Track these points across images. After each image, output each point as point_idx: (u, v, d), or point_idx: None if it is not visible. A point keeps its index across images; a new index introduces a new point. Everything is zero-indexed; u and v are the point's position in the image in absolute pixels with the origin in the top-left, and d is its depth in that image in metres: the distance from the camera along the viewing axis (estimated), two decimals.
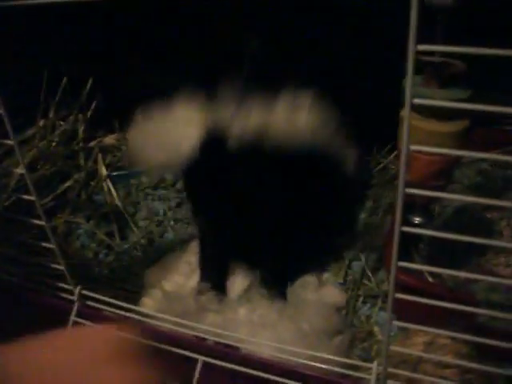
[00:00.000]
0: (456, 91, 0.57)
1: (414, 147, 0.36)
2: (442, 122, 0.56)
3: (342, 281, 0.81)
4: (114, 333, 0.35)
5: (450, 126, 0.56)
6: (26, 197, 0.62)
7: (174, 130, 0.68)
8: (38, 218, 0.65)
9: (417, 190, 0.38)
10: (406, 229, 0.40)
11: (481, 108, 0.34)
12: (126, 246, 0.93)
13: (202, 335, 0.64)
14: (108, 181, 1.07)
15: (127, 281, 0.84)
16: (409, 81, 0.34)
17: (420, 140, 0.37)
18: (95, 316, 0.67)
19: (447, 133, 0.56)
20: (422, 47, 0.33)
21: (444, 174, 0.61)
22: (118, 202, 1.02)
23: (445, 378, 0.54)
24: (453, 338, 0.59)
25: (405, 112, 0.36)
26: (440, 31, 0.55)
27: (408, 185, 0.38)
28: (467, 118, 0.58)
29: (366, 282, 0.80)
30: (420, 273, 0.75)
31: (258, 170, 0.70)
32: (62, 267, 0.67)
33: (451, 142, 0.57)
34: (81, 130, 1.14)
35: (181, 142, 0.67)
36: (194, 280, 0.82)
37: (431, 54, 0.55)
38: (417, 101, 0.34)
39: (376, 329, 0.71)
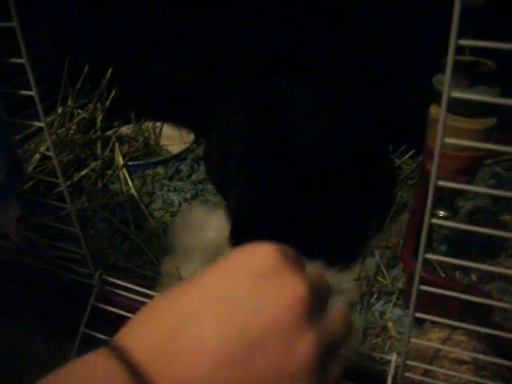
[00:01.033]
0: (485, 90, 0.58)
1: (448, 140, 0.37)
2: (470, 120, 0.57)
3: (356, 277, 0.81)
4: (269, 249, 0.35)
5: (477, 123, 0.57)
6: (52, 179, 0.63)
7: None
8: (61, 201, 0.66)
9: (448, 183, 0.39)
10: (435, 220, 0.41)
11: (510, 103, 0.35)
12: (140, 235, 0.94)
13: None
14: (124, 170, 1.07)
15: (141, 269, 0.85)
16: (448, 74, 0.35)
17: (447, 137, 0.38)
18: (114, 301, 0.68)
19: (474, 130, 0.57)
20: (463, 42, 0.34)
21: (469, 170, 0.62)
22: (133, 192, 1.03)
23: (460, 374, 0.55)
24: (468, 335, 0.60)
25: (437, 109, 0.36)
26: (471, 28, 0.56)
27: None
28: (494, 116, 0.58)
29: (379, 278, 0.81)
30: (434, 269, 0.76)
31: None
32: (83, 251, 0.68)
33: (478, 140, 0.58)
34: (99, 119, 1.15)
35: None
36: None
37: (461, 52, 0.56)
38: (455, 94, 0.35)
39: (390, 325, 0.72)
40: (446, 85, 0.35)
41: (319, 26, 1.03)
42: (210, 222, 0.89)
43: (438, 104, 0.62)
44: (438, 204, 0.72)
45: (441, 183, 0.39)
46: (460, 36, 0.35)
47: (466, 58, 0.55)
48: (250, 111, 0.84)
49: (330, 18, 1.02)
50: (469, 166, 0.60)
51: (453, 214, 0.72)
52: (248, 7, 1.03)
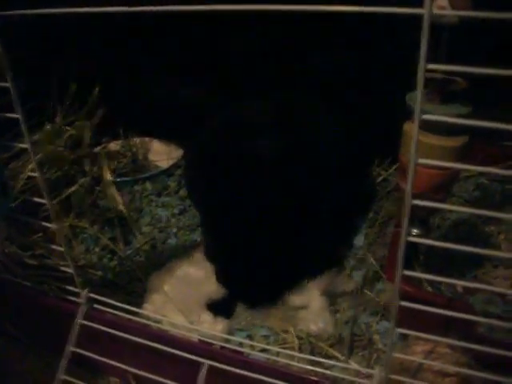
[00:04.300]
0: (457, 107, 0.59)
1: (421, 161, 0.38)
2: (443, 137, 0.58)
3: (342, 290, 0.82)
4: None
5: (450, 141, 0.59)
6: (37, 199, 0.63)
7: None
8: (46, 220, 0.67)
9: (423, 202, 0.40)
10: (412, 239, 0.41)
11: (483, 125, 0.36)
12: (129, 252, 0.94)
13: (207, 339, 0.66)
14: (112, 186, 1.08)
15: (130, 285, 0.86)
16: (418, 97, 0.36)
17: (421, 154, 0.39)
18: (101, 319, 0.69)
19: (448, 147, 0.58)
20: (431, 66, 0.35)
21: (443, 187, 0.63)
22: (122, 208, 1.04)
23: None
24: (452, 348, 0.61)
25: (413, 127, 0.38)
26: (444, 48, 0.57)
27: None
28: (467, 134, 0.60)
29: (366, 291, 0.82)
30: (419, 283, 0.77)
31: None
32: (70, 270, 0.68)
33: (452, 157, 0.59)
34: (87, 135, 1.15)
35: None
36: (195, 286, 0.84)
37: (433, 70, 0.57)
38: (426, 117, 0.36)
39: (376, 337, 0.73)
40: (417, 108, 0.36)
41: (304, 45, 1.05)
42: None
43: (412, 120, 0.63)
44: (411, 222, 0.73)
45: (415, 202, 0.40)
46: (434, 54, 0.36)
47: (439, 75, 0.56)
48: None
49: (316, 38, 1.03)
50: (442, 183, 0.61)
51: (426, 232, 0.74)
52: (238, 24, 1.05)
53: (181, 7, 0.42)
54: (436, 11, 0.33)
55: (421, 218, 0.74)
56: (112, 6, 0.46)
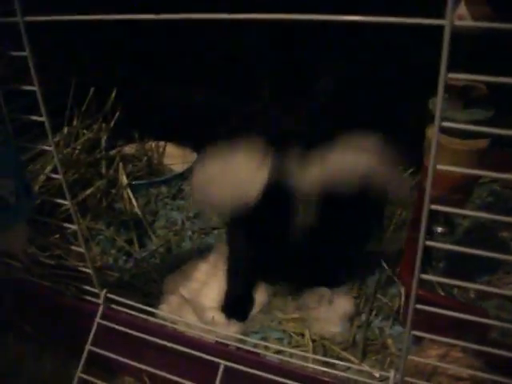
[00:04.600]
0: (478, 113, 0.60)
1: (440, 167, 0.39)
2: (464, 141, 0.59)
3: (355, 294, 0.83)
4: None
5: (471, 144, 0.59)
6: (60, 201, 0.65)
7: (239, 174, 0.70)
8: (64, 222, 0.68)
9: (441, 207, 0.41)
10: (430, 243, 0.42)
11: (502, 132, 0.37)
12: (144, 254, 0.95)
13: (223, 341, 0.67)
14: (128, 189, 1.09)
15: (146, 287, 0.87)
16: (439, 106, 0.37)
17: (442, 157, 0.40)
18: (119, 319, 0.70)
19: (468, 151, 0.59)
20: (452, 75, 0.36)
21: (464, 188, 0.64)
22: (137, 211, 1.05)
23: None
24: (465, 352, 0.61)
25: (432, 133, 0.38)
26: (463, 56, 0.58)
27: (432, 200, 0.41)
28: (487, 138, 0.61)
29: (379, 295, 0.82)
30: (432, 288, 0.77)
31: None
32: (89, 270, 0.69)
33: (472, 160, 0.60)
34: (103, 138, 1.17)
35: (247, 185, 0.68)
36: (210, 288, 0.85)
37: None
38: (445, 124, 0.37)
39: (390, 342, 0.73)
40: (437, 115, 0.37)
41: (318, 48, 1.06)
42: None
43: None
44: (435, 220, 0.74)
45: (433, 207, 0.40)
46: (454, 62, 0.37)
47: (461, 82, 0.57)
48: None
49: (333, 40, 1.04)
50: (463, 185, 0.62)
51: (450, 230, 0.74)
52: (250, 30, 1.06)
53: (197, 15, 0.43)
54: (457, 22, 0.34)
55: (444, 217, 0.75)
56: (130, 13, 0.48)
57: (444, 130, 0.38)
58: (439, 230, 0.74)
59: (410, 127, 0.76)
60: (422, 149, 0.70)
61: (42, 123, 0.58)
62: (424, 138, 0.69)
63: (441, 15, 0.35)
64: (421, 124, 0.67)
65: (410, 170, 1.09)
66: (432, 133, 0.64)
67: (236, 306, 0.82)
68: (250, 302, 0.83)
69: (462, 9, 0.51)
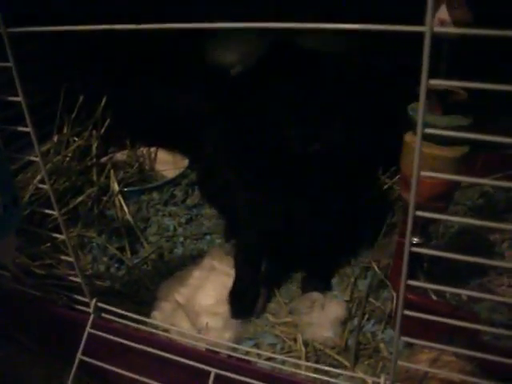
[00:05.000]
0: (458, 118, 0.60)
1: (424, 173, 0.39)
2: (444, 147, 0.59)
3: (348, 298, 0.83)
4: None
5: (451, 151, 0.59)
6: (48, 211, 0.64)
7: None
8: (54, 231, 0.68)
9: (426, 213, 0.41)
10: (416, 249, 0.42)
11: (484, 138, 0.37)
12: (136, 261, 0.95)
13: (214, 348, 0.66)
14: (120, 196, 1.09)
15: (138, 294, 0.87)
16: (420, 113, 0.37)
17: (422, 164, 0.39)
18: (110, 328, 0.70)
19: (450, 158, 0.59)
20: (433, 82, 0.36)
21: (445, 196, 0.64)
22: (129, 218, 1.05)
23: None
24: (457, 356, 0.61)
25: (416, 140, 0.38)
26: (444, 61, 0.58)
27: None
28: (468, 144, 0.61)
29: (371, 299, 0.82)
30: (424, 291, 0.77)
31: None
32: (79, 279, 0.69)
33: (453, 167, 0.60)
34: (94, 146, 1.17)
35: None
36: (203, 293, 0.85)
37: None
38: (428, 130, 0.37)
39: (382, 346, 0.73)
40: (419, 122, 0.37)
41: None
42: None
43: (413, 131, 0.64)
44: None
45: (419, 213, 0.40)
46: (435, 67, 0.37)
47: (440, 85, 0.57)
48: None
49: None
50: (444, 192, 0.62)
51: (426, 240, 0.74)
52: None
53: (186, 25, 0.43)
54: (437, 29, 0.34)
55: (421, 226, 0.75)
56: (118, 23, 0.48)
57: (423, 137, 0.38)
58: (415, 240, 0.74)
59: (389, 133, 0.76)
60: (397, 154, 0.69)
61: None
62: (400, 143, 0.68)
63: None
64: (400, 130, 0.66)
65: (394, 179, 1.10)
66: (411, 138, 0.64)
67: (243, 298, 0.83)
68: (256, 295, 0.84)
69: (444, 13, 0.51)
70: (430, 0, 0.33)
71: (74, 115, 1.17)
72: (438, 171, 0.40)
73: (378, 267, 0.87)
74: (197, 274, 0.88)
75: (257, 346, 0.76)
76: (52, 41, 1.00)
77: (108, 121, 1.20)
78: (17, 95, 0.56)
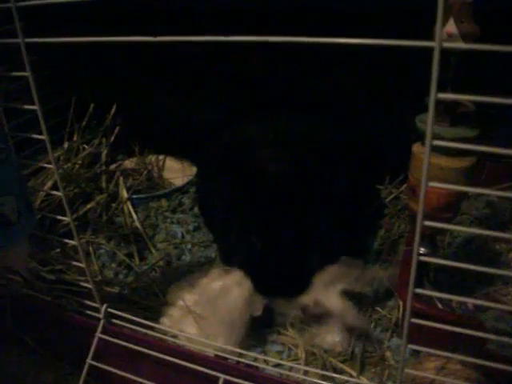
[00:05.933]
0: (465, 129, 0.61)
1: (432, 184, 0.40)
2: (452, 158, 0.60)
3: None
4: None
5: (459, 161, 0.60)
6: (60, 217, 0.66)
7: None
8: (64, 236, 0.69)
9: (435, 223, 0.41)
10: (424, 258, 0.43)
11: (491, 150, 0.38)
12: (144, 267, 0.96)
13: (222, 354, 0.67)
14: (128, 203, 1.10)
15: (146, 300, 0.87)
16: (429, 125, 0.38)
17: (430, 174, 0.40)
18: (120, 333, 0.70)
19: (457, 168, 0.60)
20: (441, 95, 0.37)
21: (452, 206, 0.65)
22: (137, 224, 1.06)
23: None
24: (463, 364, 0.62)
25: (424, 153, 0.39)
26: (453, 71, 0.59)
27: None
28: (475, 155, 0.61)
29: (378, 308, 0.83)
30: (430, 300, 0.78)
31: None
32: (89, 285, 0.70)
33: (460, 177, 0.61)
34: (104, 153, 1.18)
35: None
36: (211, 301, 0.85)
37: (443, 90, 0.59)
38: (437, 143, 0.38)
39: (388, 354, 0.74)
40: (428, 138, 0.38)
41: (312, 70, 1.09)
42: None
43: (421, 142, 0.65)
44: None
45: (427, 223, 0.41)
46: (442, 78, 0.38)
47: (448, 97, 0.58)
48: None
49: (323, 63, 1.06)
50: (451, 203, 0.63)
51: (432, 250, 0.75)
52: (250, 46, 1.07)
53: (196, 38, 0.45)
54: (446, 44, 0.35)
55: (428, 237, 0.75)
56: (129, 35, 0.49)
57: (432, 148, 0.39)
58: (422, 250, 0.74)
59: (396, 143, 0.77)
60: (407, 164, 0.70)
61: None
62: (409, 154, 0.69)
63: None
64: (407, 140, 0.67)
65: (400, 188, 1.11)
66: (419, 148, 0.65)
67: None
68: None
69: (452, 26, 0.52)
70: (439, 16, 0.34)
71: (84, 123, 1.18)
72: (446, 181, 0.41)
73: (385, 276, 0.87)
74: (205, 281, 0.89)
75: (264, 353, 0.76)
76: (64, 49, 1.01)
77: (117, 128, 1.22)
78: (28, 103, 0.57)
